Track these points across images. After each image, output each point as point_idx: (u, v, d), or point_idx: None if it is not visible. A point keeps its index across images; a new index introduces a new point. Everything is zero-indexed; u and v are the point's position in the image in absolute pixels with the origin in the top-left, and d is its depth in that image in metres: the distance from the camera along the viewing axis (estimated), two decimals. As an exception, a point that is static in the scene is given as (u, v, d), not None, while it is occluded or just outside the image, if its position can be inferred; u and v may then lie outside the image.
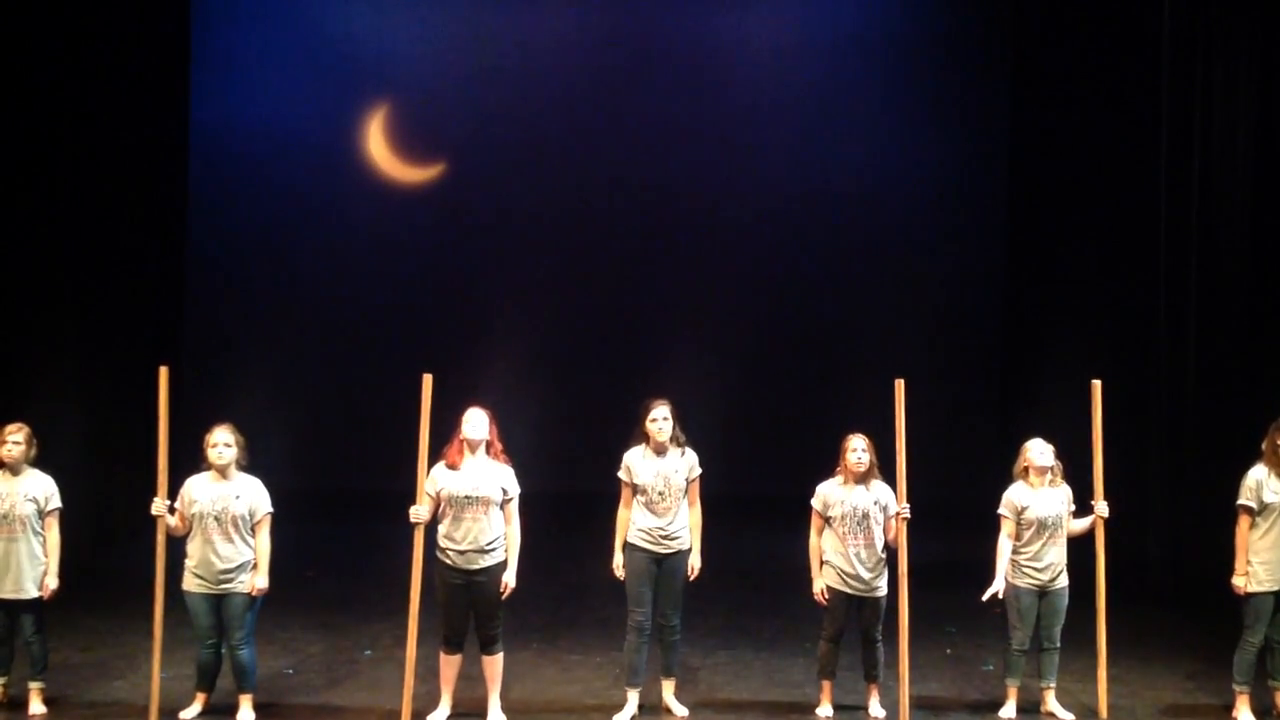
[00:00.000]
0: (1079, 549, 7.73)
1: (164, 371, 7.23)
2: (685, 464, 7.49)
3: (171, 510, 7.24)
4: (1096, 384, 7.65)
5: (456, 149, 14.66)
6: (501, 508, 7.31)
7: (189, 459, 7.42)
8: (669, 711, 7.52)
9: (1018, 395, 13.17)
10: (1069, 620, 7.67)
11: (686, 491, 7.49)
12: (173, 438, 7.30)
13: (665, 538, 7.41)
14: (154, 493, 7.20)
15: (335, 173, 14.57)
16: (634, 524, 7.45)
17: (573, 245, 14.62)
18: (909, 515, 7.41)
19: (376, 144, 14.67)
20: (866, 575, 7.49)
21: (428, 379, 7.26)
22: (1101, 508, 7.60)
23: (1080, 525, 7.68)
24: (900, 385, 7.39)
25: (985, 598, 7.65)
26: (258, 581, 7.30)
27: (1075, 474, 7.81)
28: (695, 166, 14.61)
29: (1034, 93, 13.37)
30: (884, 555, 7.54)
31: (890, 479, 7.50)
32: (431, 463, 7.31)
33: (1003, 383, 14.12)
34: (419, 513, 7.20)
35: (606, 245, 14.65)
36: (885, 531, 7.50)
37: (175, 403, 7.34)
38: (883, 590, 7.54)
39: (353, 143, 14.65)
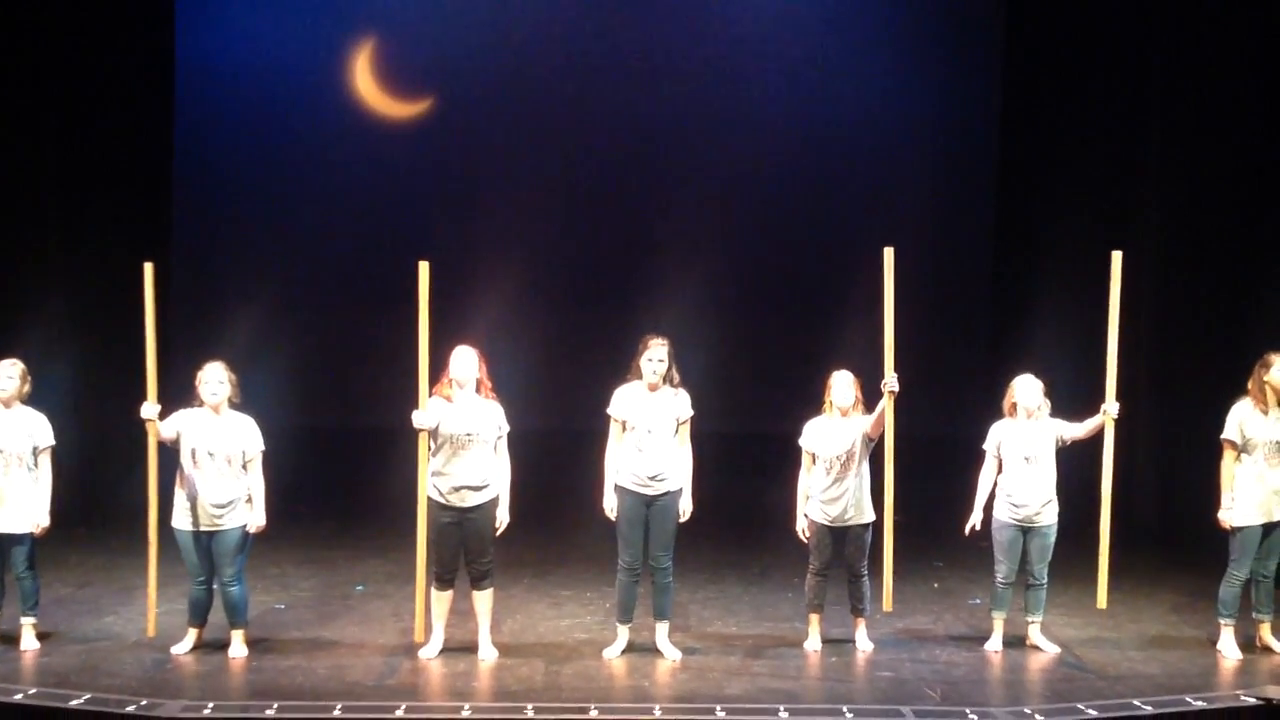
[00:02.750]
0: (1070, 481, 7.76)
1: (149, 267, 7.12)
2: (677, 404, 7.41)
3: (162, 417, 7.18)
4: (1117, 255, 7.48)
5: (446, 83, 14.53)
6: (494, 446, 7.32)
7: (182, 399, 7.35)
8: (661, 654, 7.47)
9: (1008, 333, 13.16)
10: (1057, 554, 7.69)
11: (676, 432, 7.44)
12: (164, 378, 7.26)
13: (653, 478, 7.34)
14: (148, 430, 7.13)
15: (325, 106, 14.42)
16: (623, 466, 7.39)
17: (563, 179, 14.52)
18: (896, 388, 7.28)
19: (364, 77, 14.53)
20: (849, 508, 7.52)
21: (424, 266, 7.07)
22: (1112, 407, 7.40)
23: (1083, 429, 7.54)
24: (889, 253, 7.26)
25: (967, 532, 7.72)
26: (256, 519, 7.33)
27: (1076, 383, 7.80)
28: (687, 100, 14.46)
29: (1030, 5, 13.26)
30: (868, 488, 7.56)
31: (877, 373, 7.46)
32: (431, 357, 7.14)
33: (993, 320, 14.11)
34: (421, 418, 7.06)
35: (597, 179, 14.55)
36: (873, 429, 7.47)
37: (165, 342, 7.28)
38: (866, 518, 7.57)
39: (341, 75, 14.49)
